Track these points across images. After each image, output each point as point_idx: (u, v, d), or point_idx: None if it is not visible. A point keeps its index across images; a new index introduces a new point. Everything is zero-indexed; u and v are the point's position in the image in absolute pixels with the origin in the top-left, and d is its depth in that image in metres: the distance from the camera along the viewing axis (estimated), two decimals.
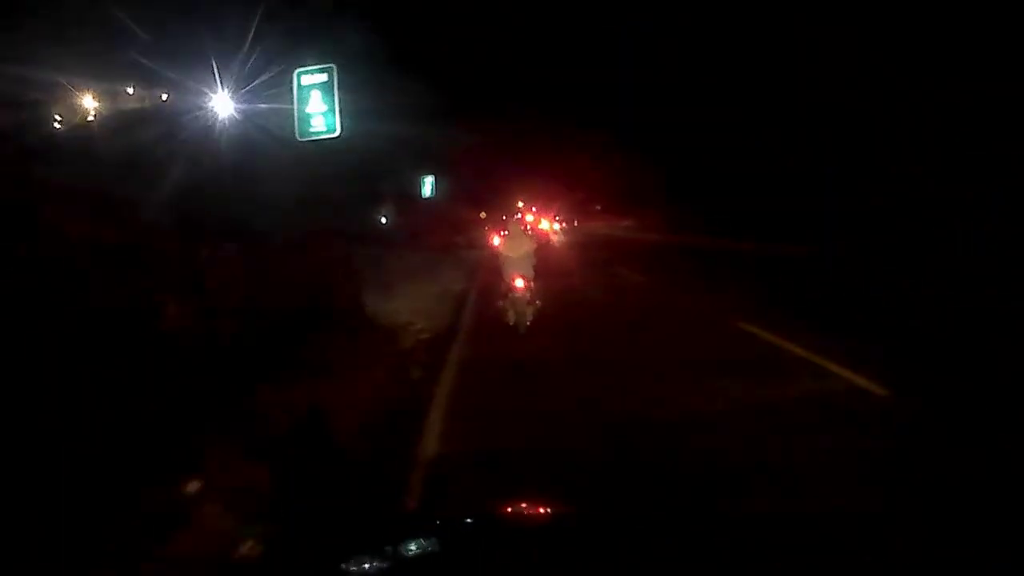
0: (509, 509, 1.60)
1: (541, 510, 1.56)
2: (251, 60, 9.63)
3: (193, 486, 3.25)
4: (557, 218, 46.20)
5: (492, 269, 11.25)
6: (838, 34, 19.82)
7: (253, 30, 9.37)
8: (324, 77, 9.10)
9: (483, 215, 43.74)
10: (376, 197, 25.61)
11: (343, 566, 1.19)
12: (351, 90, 9.65)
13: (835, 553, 1.16)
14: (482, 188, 40.77)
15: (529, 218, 36.68)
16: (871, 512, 1.49)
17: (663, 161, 33.40)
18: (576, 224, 59.77)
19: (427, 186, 28.02)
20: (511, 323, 8.13)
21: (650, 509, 1.89)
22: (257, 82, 9.75)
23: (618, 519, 1.40)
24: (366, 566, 1.21)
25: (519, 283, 8.05)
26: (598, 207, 56.34)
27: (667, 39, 32.92)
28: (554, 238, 35.64)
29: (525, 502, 1.59)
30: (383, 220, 26.98)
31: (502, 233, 11.99)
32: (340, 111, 9.07)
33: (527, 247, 8.45)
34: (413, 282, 13.14)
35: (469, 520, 1.50)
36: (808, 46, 21.32)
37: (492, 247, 17.83)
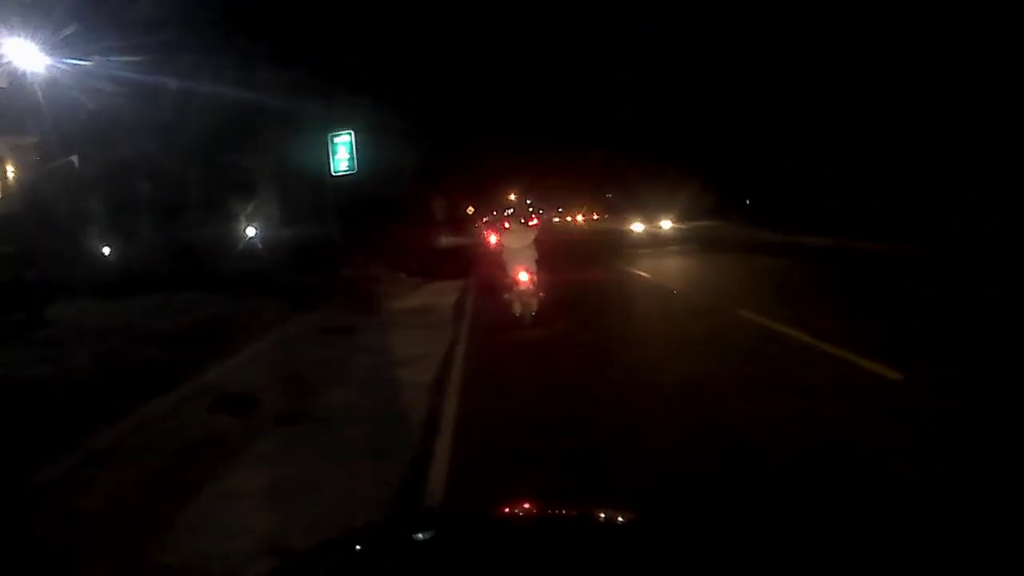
0: (509, 509, 1.60)
1: (541, 510, 1.56)
2: None
3: None
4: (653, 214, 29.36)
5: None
6: (838, 34, 19.85)
7: None
8: None
9: (470, 210, 36.01)
10: (241, 188, 14.15)
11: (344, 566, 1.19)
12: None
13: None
14: (466, 175, 31.05)
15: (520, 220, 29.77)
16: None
17: (665, 160, 33.45)
18: (595, 218, 53.83)
19: (341, 154, 12.21)
20: (517, 314, 8.20)
21: (650, 508, 1.89)
22: None
23: (618, 519, 1.40)
24: (367, 566, 1.20)
25: (523, 276, 8.13)
26: (609, 195, 51.88)
27: (667, 39, 33.04)
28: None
29: (525, 502, 1.59)
30: (250, 233, 14.92)
31: (506, 226, 11.05)
32: None
33: (528, 239, 8.55)
34: None
35: (470, 520, 1.49)
36: (808, 46, 21.36)
37: (491, 245, 16.90)
